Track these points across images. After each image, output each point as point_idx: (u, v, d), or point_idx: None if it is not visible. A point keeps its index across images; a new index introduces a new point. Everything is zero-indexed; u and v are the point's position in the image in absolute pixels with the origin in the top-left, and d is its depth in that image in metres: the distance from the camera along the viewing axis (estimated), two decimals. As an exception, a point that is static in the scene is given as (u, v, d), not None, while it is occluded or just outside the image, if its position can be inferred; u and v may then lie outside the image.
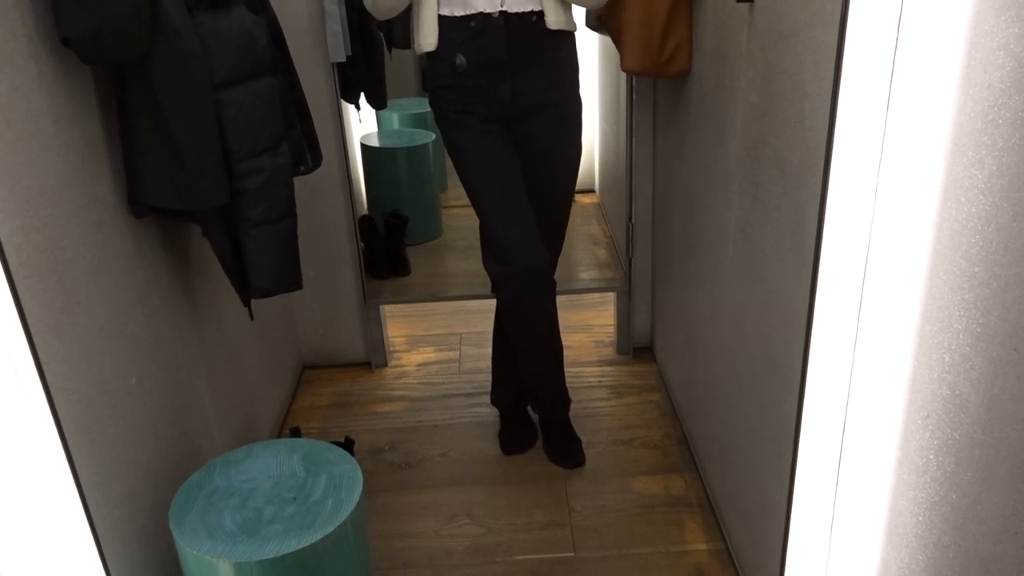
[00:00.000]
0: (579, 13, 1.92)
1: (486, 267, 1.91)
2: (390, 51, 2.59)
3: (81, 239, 1.26)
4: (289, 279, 1.56)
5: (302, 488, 1.42)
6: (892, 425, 0.99)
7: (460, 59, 1.74)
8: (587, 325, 2.77)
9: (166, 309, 1.57)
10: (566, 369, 2.14)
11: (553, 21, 1.73)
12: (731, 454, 1.72)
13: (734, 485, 1.72)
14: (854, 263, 1.06)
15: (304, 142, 1.71)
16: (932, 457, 0.90)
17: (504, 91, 1.77)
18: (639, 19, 1.76)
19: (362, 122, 2.97)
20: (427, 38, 1.75)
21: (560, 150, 1.90)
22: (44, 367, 1.04)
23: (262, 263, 1.50)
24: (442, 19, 1.73)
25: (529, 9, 1.72)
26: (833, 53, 0.98)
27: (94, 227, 1.31)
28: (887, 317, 0.99)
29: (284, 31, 1.65)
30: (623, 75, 2.32)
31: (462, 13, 1.71)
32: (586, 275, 2.89)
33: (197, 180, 1.36)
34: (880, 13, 0.91)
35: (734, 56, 1.50)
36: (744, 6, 1.41)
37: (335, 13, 2.06)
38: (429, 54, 1.78)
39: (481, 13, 1.70)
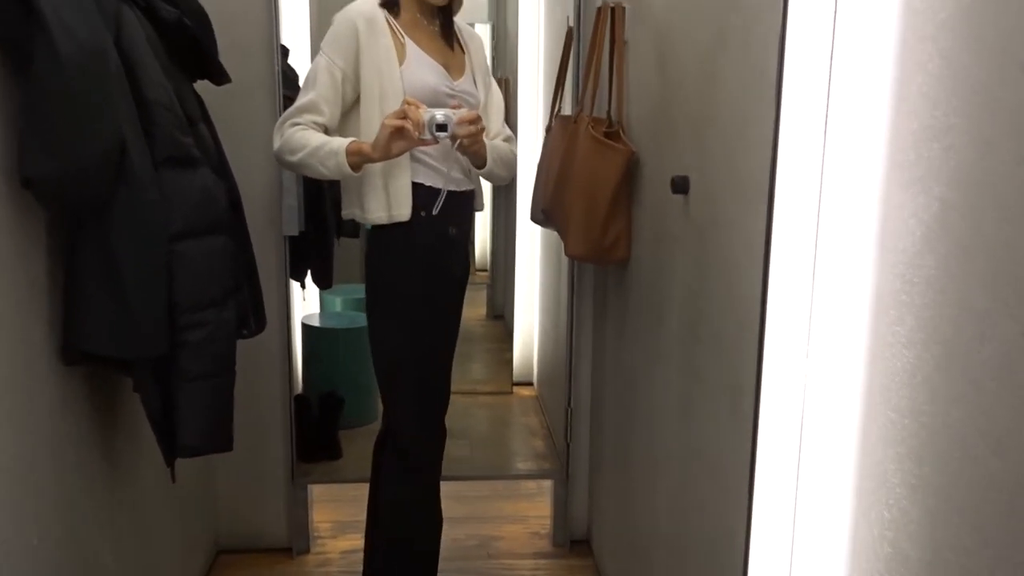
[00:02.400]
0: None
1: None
2: (338, 237, 2.68)
3: (3, 380, 1.21)
4: (219, 438, 1.50)
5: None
6: (837, 592, 0.97)
7: (452, 229, 1.84)
8: (523, 516, 2.68)
9: (80, 466, 1.48)
10: (499, 560, 2.05)
11: (479, 202, 1.92)
12: (672, 649, 1.63)
13: None
14: (790, 429, 1.08)
15: (250, 305, 1.72)
16: (879, 623, 0.88)
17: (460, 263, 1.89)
18: (583, 210, 1.88)
19: (305, 300, 3.00)
20: (401, 208, 1.77)
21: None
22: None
23: (192, 419, 1.45)
24: (416, 187, 1.78)
25: (469, 188, 1.88)
26: (763, 231, 1.07)
27: (18, 371, 1.26)
28: (825, 480, 1.00)
29: (243, 199, 1.71)
30: (564, 267, 2.44)
31: (431, 184, 1.79)
32: (523, 464, 2.84)
33: (139, 328, 1.34)
34: (802, 196, 1.01)
35: (670, 243, 1.61)
36: (680, 197, 1.53)
37: (292, 189, 2.15)
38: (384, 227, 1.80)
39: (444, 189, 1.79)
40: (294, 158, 1.74)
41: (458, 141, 1.72)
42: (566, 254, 1.98)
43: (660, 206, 1.67)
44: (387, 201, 1.77)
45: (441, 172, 1.79)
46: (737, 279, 1.26)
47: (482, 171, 1.87)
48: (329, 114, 1.75)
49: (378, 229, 1.81)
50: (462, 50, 1.88)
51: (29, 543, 1.28)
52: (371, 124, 1.72)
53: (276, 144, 1.77)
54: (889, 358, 0.85)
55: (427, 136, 1.67)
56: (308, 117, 1.74)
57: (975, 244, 0.71)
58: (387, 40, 1.75)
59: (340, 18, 1.76)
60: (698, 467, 1.46)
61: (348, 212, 1.84)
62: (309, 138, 1.72)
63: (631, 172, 1.86)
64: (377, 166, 1.73)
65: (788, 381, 1.07)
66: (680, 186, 1.50)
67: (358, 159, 1.70)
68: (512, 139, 1.98)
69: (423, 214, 1.78)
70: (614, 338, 2.14)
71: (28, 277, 1.29)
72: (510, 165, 1.95)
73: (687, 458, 1.52)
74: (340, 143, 1.71)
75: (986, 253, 0.70)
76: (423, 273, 1.83)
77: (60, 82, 1.17)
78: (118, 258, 1.30)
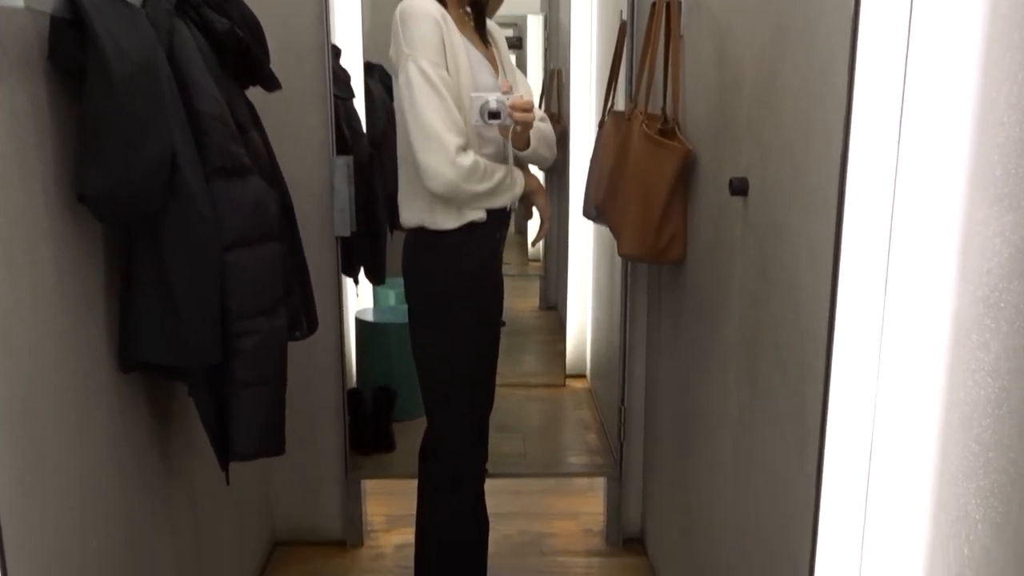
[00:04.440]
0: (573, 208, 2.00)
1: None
2: (391, 232, 2.68)
3: (63, 394, 1.23)
4: (272, 444, 1.51)
5: None
6: (910, 627, 0.92)
7: (501, 231, 1.79)
8: (575, 512, 2.66)
9: (139, 470, 1.50)
10: (552, 557, 2.03)
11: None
12: (730, 661, 1.59)
13: None
14: (858, 452, 1.03)
15: (301, 308, 1.72)
16: (957, 665, 0.83)
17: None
18: (637, 210, 1.83)
19: (359, 296, 3.01)
20: (478, 210, 1.71)
21: None
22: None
23: (246, 426, 1.46)
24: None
25: None
26: (830, 244, 1.01)
27: (79, 382, 1.28)
28: (896, 508, 0.95)
29: (295, 203, 1.71)
30: (618, 262, 2.40)
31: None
32: (576, 459, 2.81)
33: (192, 337, 1.34)
34: (874, 205, 0.95)
35: (729, 246, 1.55)
36: (738, 199, 1.48)
37: (343, 191, 2.14)
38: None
39: None
40: (481, 187, 1.65)
41: (512, 128, 1.66)
42: (619, 254, 1.93)
43: (718, 208, 1.62)
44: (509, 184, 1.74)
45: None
46: (800, 288, 1.20)
47: (524, 152, 1.76)
48: None
49: (434, 236, 1.71)
50: (492, 45, 1.84)
51: (88, 546, 1.30)
52: None
53: (452, 175, 1.60)
54: (971, 386, 0.79)
55: (477, 122, 1.62)
56: (461, 138, 1.63)
57: (1071, 272, 0.66)
58: (458, 37, 1.66)
59: (418, 15, 1.60)
60: (758, 478, 1.41)
61: (414, 219, 1.72)
62: (490, 169, 1.68)
63: (687, 171, 1.80)
64: None
65: (856, 399, 1.02)
66: (739, 188, 1.45)
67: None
68: (546, 119, 1.88)
69: (495, 216, 1.74)
70: (669, 338, 2.09)
71: (86, 289, 1.31)
72: (552, 144, 1.85)
73: (746, 467, 1.47)
74: (519, 177, 1.76)
75: (1084, 283, 0.64)
76: (482, 281, 1.78)
77: (112, 101, 1.17)
78: (170, 270, 1.31)
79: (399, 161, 1.76)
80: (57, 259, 1.21)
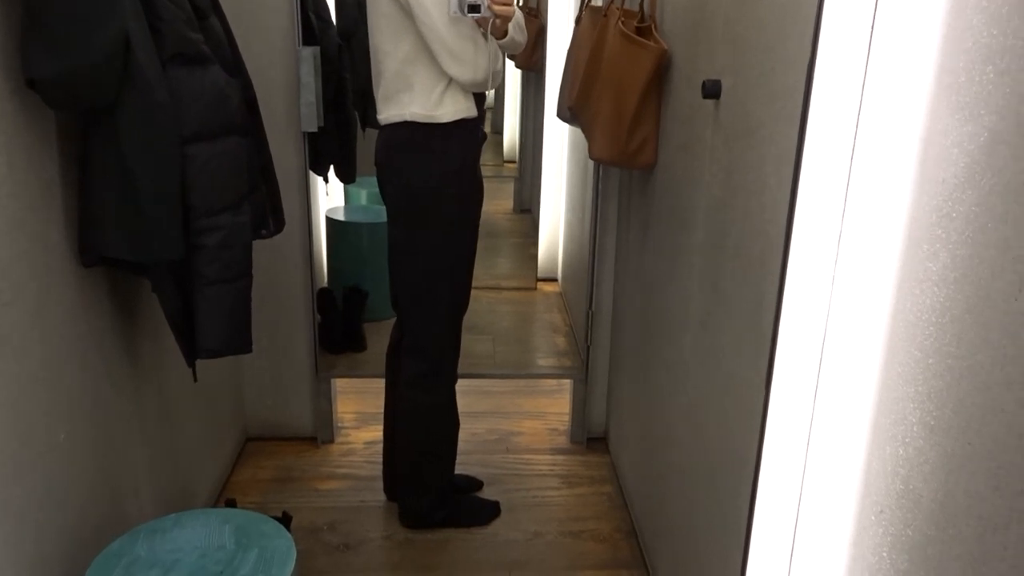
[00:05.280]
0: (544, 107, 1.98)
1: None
2: (363, 129, 2.62)
3: (23, 283, 1.22)
4: (238, 341, 1.51)
5: (230, 562, 1.34)
6: (845, 521, 0.96)
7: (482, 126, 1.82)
8: (542, 412, 2.73)
9: (105, 364, 1.51)
10: (518, 455, 2.09)
11: None
12: (682, 549, 1.68)
13: (683, 583, 1.66)
14: (809, 353, 1.05)
15: (268, 206, 1.70)
16: (885, 555, 0.87)
17: None
18: (609, 112, 1.80)
19: (329, 195, 2.97)
20: (471, 104, 1.76)
21: None
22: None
23: (212, 323, 1.46)
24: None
25: None
26: (794, 147, 1.01)
27: (39, 272, 1.27)
28: (841, 409, 0.98)
29: (259, 97, 1.66)
30: (590, 166, 2.37)
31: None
32: (544, 362, 2.86)
33: (153, 232, 1.33)
34: (840, 108, 0.94)
35: (699, 150, 1.54)
36: (710, 102, 1.46)
37: (310, 84, 2.08)
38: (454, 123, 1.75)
39: None
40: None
41: (491, 21, 1.64)
42: (590, 157, 1.91)
43: (690, 110, 1.60)
44: (463, 96, 1.74)
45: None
46: (766, 191, 1.20)
47: (503, 41, 1.77)
48: None
49: (424, 130, 1.74)
50: None
51: (55, 440, 1.32)
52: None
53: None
54: (918, 294, 0.81)
55: (455, 13, 1.60)
56: None
57: (1021, 183, 0.66)
58: None
59: None
60: (715, 379, 1.45)
61: (406, 112, 1.73)
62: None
63: (662, 72, 1.76)
64: None
65: (810, 304, 1.04)
66: (711, 90, 1.42)
67: None
68: None
69: (481, 113, 1.78)
70: (637, 243, 2.09)
71: (41, 179, 1.27)
72: (523, 27, 1.86)
73: (704, 369, 1.51)
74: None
75: (1033, 193, 0.65)
76: (466, 178, 1.80)
77: (58, -24, 1.11)
78: (129, 162, 1.28)
79: (382, 55, 1.72)
80: (7, 146, 1.17)
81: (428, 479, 2.04)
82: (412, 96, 1.73)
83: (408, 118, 1.74)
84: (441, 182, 1.78)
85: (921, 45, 0.81)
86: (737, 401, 1.32)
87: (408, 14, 1.66)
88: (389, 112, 1.76)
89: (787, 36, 1.12)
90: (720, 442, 1.41)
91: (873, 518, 0.90)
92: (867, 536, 0.91)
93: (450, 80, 1.72)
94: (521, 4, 1.89)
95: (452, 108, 1.74)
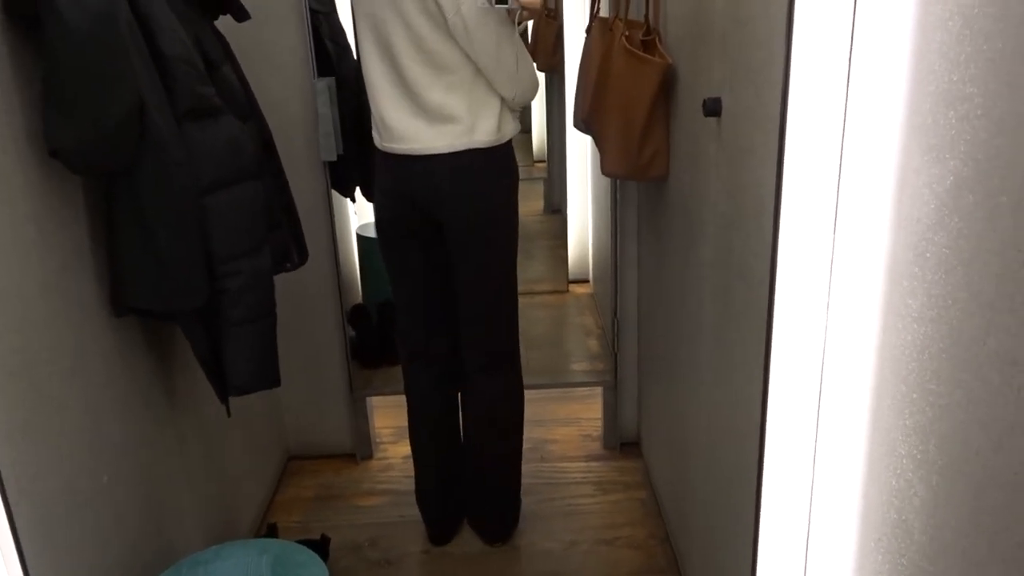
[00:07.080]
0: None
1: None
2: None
3: (58, 341, 1.29)
4: (267, 377, 1.57)
5: (268, 592, 1.40)
6: (848, 547, 0.98)
7: None
8: (575, 418, 2.76)
9: (145, 406, 1.58)
10: (552, 463, 2.13)
11: None
12: (711, 556, 1.69)
13: (714, 592, 1.68)
14: (807, 380, 1.06)
15: (291, 240, 1.76)
16: (886, 582, 0.89)
17: None
18: (618, 128, 1.82)
19: (357, 214, 3.03)
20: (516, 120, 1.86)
21: None
22: (4, 469, 1.05)
23: (240, 362, 1.52)
24: None
25: None
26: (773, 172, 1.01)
27: (75, 327, 1.34)
28: (838, 438, 0.99)
29: (278, 131, 1.72)
30: (609, 174, 2.38)
31: None
32: (577, 367, 2.89)
33: (176, 282, 1.39)
34: (821, 139, 0.95)
35: (705, 165, 1.55)
36: (713, 119, 1.46)
37: (327, 115, 2.13)
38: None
39: None
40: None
41: (519, 13, 1.67)
42: (602, 172, 1.93)
43: (695, 125, 1.60)
44: (510, 115, 1.83)
45: None
46: (765, 212, 1.21)
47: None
48: None
49: (491, 150, 1.80)
50: None
51: (98, 482, 1.39)
52: None
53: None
54: (901, 330, 0.82)
55: (483, 4, 1.62)
56: None
57: (985, 230, 0.67)
58: None
59: None
60: (727, 394, 1.46)
61: (473, 139, 1.76)
62: None
63: (667, 86, 1.77)
64: None
65: (804, 336, 1.04)
66: (712, 108, 1.43)
67: None
68: None
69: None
70: (655, 252, 2.10)
71: (72, 239, 1.34)
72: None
73: (718, 382, 1.52)
74: None
75: (995, 242, 0.65)
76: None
77: (71, 52, 1.17)
78: (150, 218, 1.34)
79: (420, 87, 1.74)
80: (36, 214, 1.24)
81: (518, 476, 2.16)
82: (484, 122, 1.77)
83: (476, 144, 1.77)
84: (513, 192, 1.90)
85: (893, 82, 0.81)
86: (747, 417, 1.33)
87: (453, 43, 1.67)
88: (438, 142, 1.77)
89: (774, 58, 1.13)
90: (734, 457, 1.42)
91: (872, 545, 0.91)
92: (868, 562, 0.93)
93: (502, 100, 1.78)
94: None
95: (512, 126, 1.84)
